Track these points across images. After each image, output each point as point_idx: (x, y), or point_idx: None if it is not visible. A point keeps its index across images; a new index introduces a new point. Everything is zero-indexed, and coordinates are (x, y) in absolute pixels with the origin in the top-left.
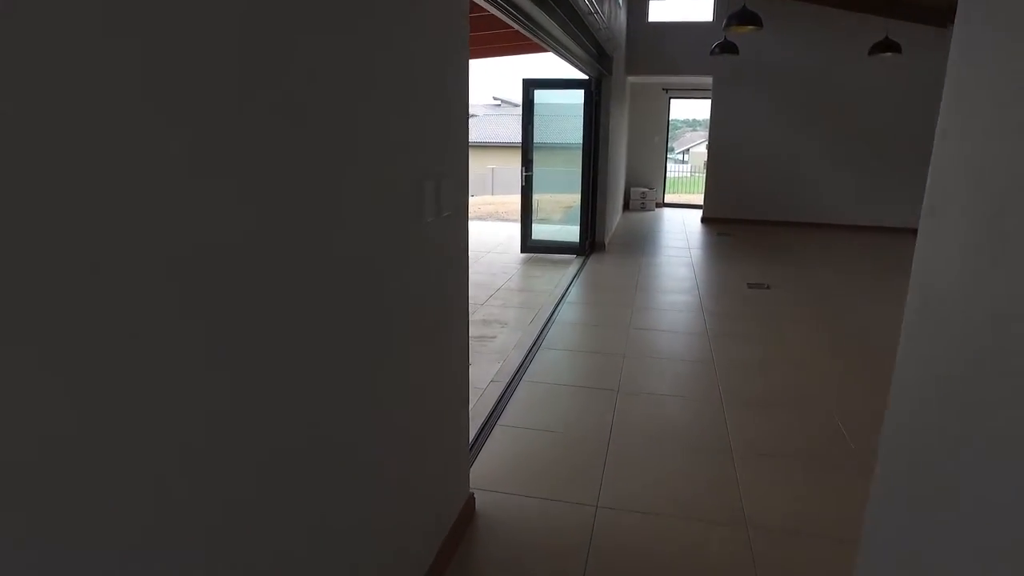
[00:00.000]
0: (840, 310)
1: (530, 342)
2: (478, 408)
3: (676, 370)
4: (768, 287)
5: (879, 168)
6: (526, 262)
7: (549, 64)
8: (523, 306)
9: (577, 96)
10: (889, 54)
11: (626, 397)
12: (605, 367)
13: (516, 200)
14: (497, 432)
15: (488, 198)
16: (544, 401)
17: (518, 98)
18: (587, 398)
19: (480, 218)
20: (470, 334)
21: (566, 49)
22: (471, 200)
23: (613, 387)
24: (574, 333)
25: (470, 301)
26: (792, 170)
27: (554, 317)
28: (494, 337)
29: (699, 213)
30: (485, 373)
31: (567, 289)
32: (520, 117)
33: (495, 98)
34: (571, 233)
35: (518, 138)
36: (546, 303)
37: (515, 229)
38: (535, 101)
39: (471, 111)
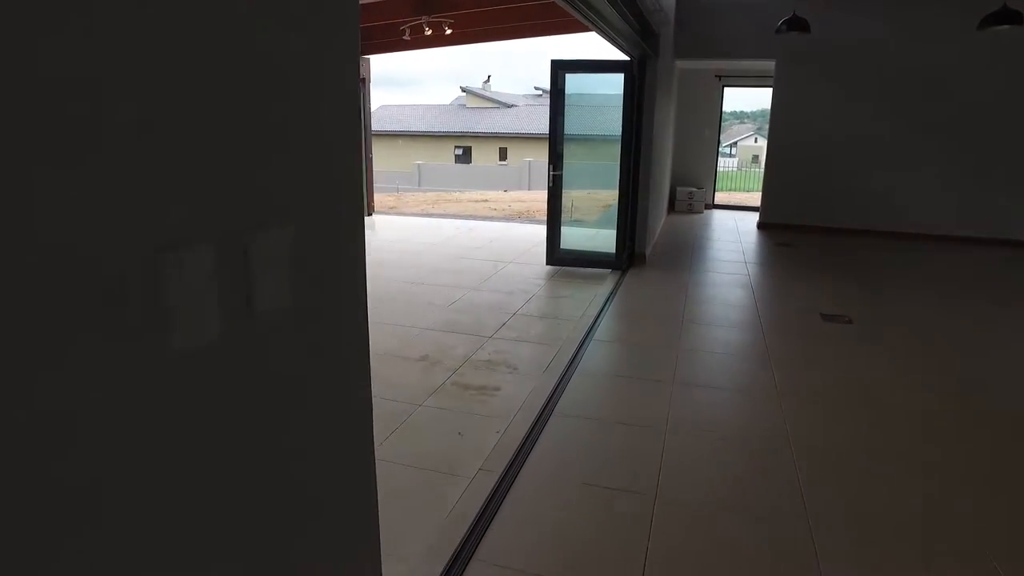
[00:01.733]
0: (953, 354)
1: (541, 402)
2: (452, 529)
3: (737, 460)
4: (849, 320)
5: (990, 167)
6: (552, 277)
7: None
8: (541, 341)
9: (615, 82)
10: (1006, 27)
11: (668, 510)
12: (639, 451)
13: (574, 195)
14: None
15: (522, 195)
16: (553, 512)
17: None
18: (611, 510)
19: (509, 218)
20: (468, 382)
21: (604, 20)
22: (503, 196)
23: (649, 490)
24: (601, 389)
25: (476, 332)
26: (871, 168)
27: (578, 361)
28: (497, 390)
29: (754, 216)
30: (474, 454)
31: (597, 318)
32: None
33: (536, 88)
34: (606, 241)
35: (575, 130)
36: (570, 339)
37: (544, 235)
38: (566, 87)
39: (509, 101)
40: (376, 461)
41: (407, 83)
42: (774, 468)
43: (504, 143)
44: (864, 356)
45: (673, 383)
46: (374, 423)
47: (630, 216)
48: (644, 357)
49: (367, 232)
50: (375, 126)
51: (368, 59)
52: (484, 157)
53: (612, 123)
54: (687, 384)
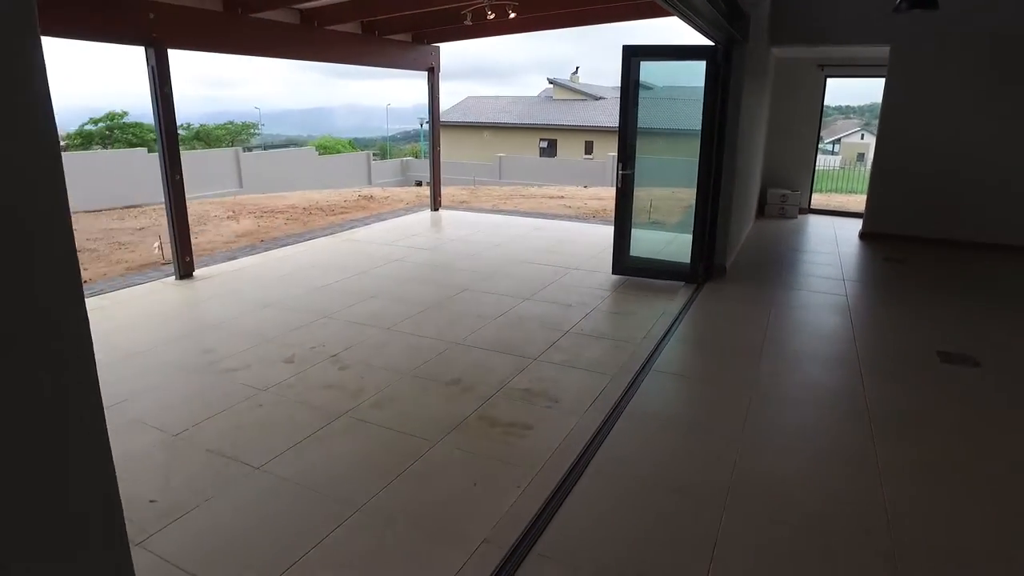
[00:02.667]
0: None
1: (577, 451)
2: None
3: (815, 561)
4: (975, 362)
5: None
6: (617, 289)
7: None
8: (592, 368)
9: (696, 70)
10: (918, 10)
11: None
12: (688, 534)
13: (646, 194)
14: None
15: (601, 191)
16: None
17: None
18: None
19: (583, 218)
20: (498, 416)
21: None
22: (580, 192)
23: None
24: (651, 439)
25: (521, 352)
26: (1005, 174)
27: (630, 397)
28: (528, 429)
29: (856, 224)
30: (483, 517)
31: (662, 342)
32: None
33: (643, 83)
34: (681, 249)
35: (649, 123)
36: (625, 367)
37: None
38: (641, 75)
39: (597, 93)
40: (363, 512)
41: (497, 75)
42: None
43: (590, 136)
44: (998, 415)
45: (741, 437)
46: (382, 460)
47: (709, 222)
48: (709, 399)
49: (425, 228)
50: (460, 117)
51: (438, 47)
52: (569, 150)
53: (692, 117)
54: (759, 442)
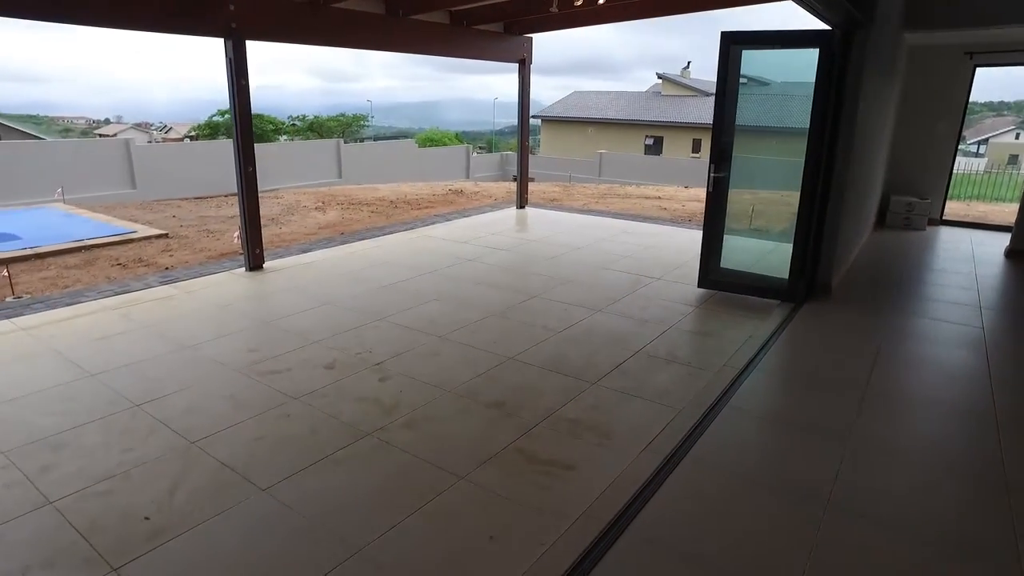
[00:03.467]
0: None
1: (621, 504)
2: None
3: None
4: None
5: None
6: (702, 304)
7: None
8: (657, 399)
9: (806, 60)
10: None
11: None
12: None
13: (743, 198)
14: None
15: (701, 192)
16: None
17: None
18: None
19: (677, 221)
20: (538, 450)
21: None
22: (679, 193)
23: None
24: (715, 499)
25: (580, 374)
26: None
27: (696, 437)
28: (570, 469)
29: (1002, 239)
30: None
31: (745, 371)
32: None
33: (743, 77)
34: (779, 263)
35: (749, 120)
36: (698, 400)
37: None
38: (741, 66)
39: (709, 89)
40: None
41: (606, 69)
42: None
43: (698, 134)
44: None
45: (827, 506)
46: (397, 493)
47: (814, 232)
48: (794, 449)
49: (507, 227)
50: (564, 112)
51: (530, 38)
52: (676, 149)
53: (799, 113)
54: (852, 515)
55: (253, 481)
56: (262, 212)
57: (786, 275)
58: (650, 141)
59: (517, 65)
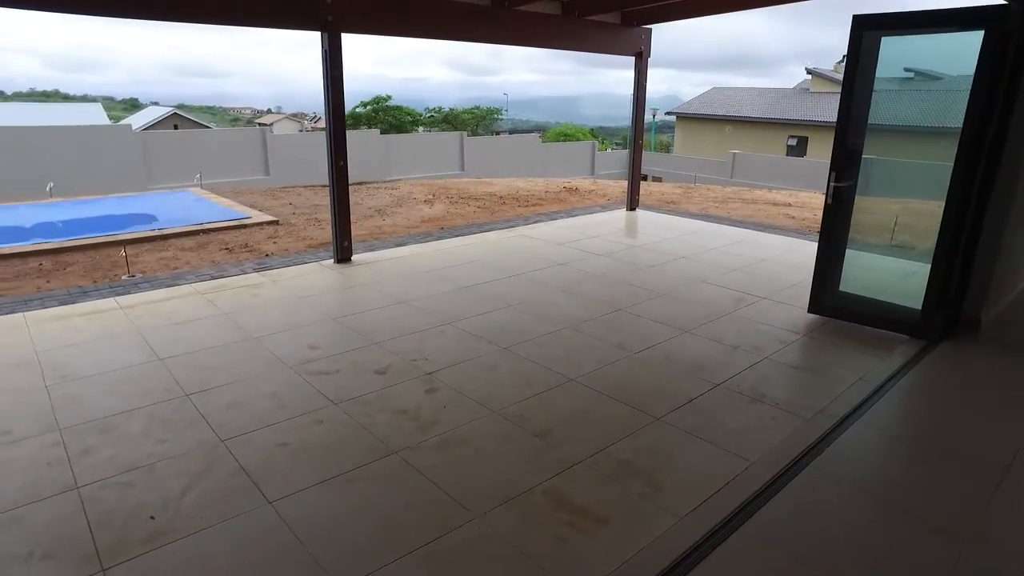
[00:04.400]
0: None
1: None
2: None
3: None
4: None
5: None
6: (810, 332)
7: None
8: (728, 446)
9: (963, 47)
10: None
11: None
12: None
13: (885, 208)
14: None
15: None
16: None
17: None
18: None
19: (803, 232)
20: (571, 495)
21: None
22: (813, 200)
23: None
24: None
25: (644, 406)
26: None
27: (766, 502)
28: (603, 523)
29: None
30: None
31: (846, 421)
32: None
33: (906, 70)
34: (911, 288)
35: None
36: (778, 452)
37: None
38: (880, 54)
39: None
40: None
41: (751, 64)
42: None
43: None
44: None
45: None
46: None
47: (962, 254)
48: (891, 547)
49: (611, 230)
50: (700, 109)
51: (649, 29)
52: (822, 150)
53: (953, 109)
54: None
55: (263, 490)
56: (374, 203)
57: (919, 304)
58: (793, 141)
59: (633, 59)
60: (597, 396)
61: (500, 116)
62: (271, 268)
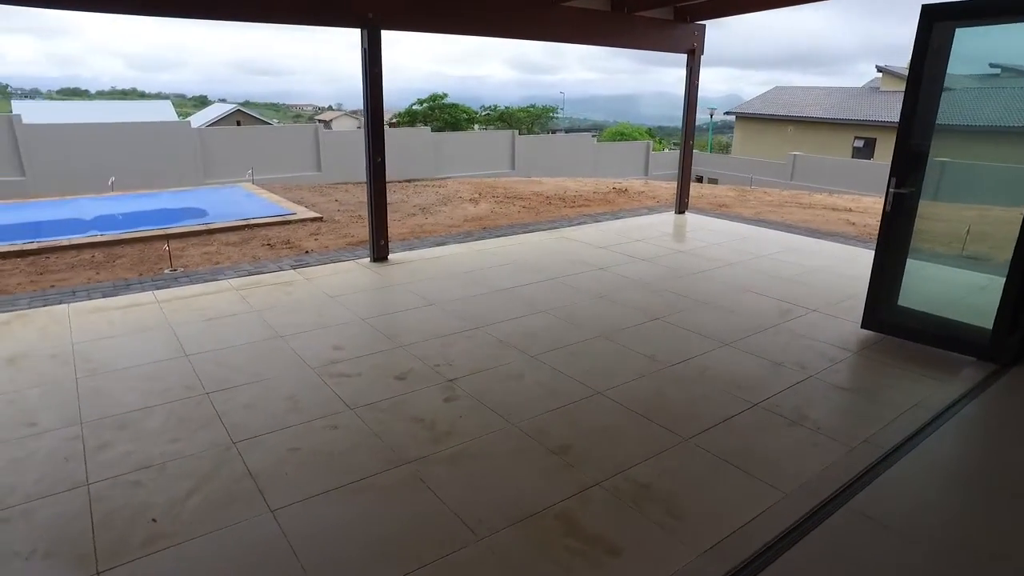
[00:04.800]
0: None
1: None
2: None
3: None
4: None
5: None
6: (863, 350)
7: None
8: (759, 473)
9: None
10: None
11: None
12: None
13: (959, 215)
14: None
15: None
16: None
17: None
18: None
19: (864, 240)
20: (584, 520)
21: None
22: (877, 205)
23: None
24: None
25: (674, 425)
26: None
27: (788, 548)
28: (615, 555)
29: None
30: None
31: (894, 454)
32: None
33: (992, 65)
34: (980, 305)
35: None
36: (815, 484)
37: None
38: (953, 47)
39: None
40: None
41: (819, 63)
42: None
43: None
44: None
45: None
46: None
47: None
48: None
49: (658, 234)
50: (762, 109)
51: (703, 26)
52: (891, 152)
53: None
54: None
55: (267, 497)
56: (419, 201)
57: (989, 323)
58: (860, 143)
59: (686, 56)
60: (623, 411)
61: (556, 115)
62: (308, 266)
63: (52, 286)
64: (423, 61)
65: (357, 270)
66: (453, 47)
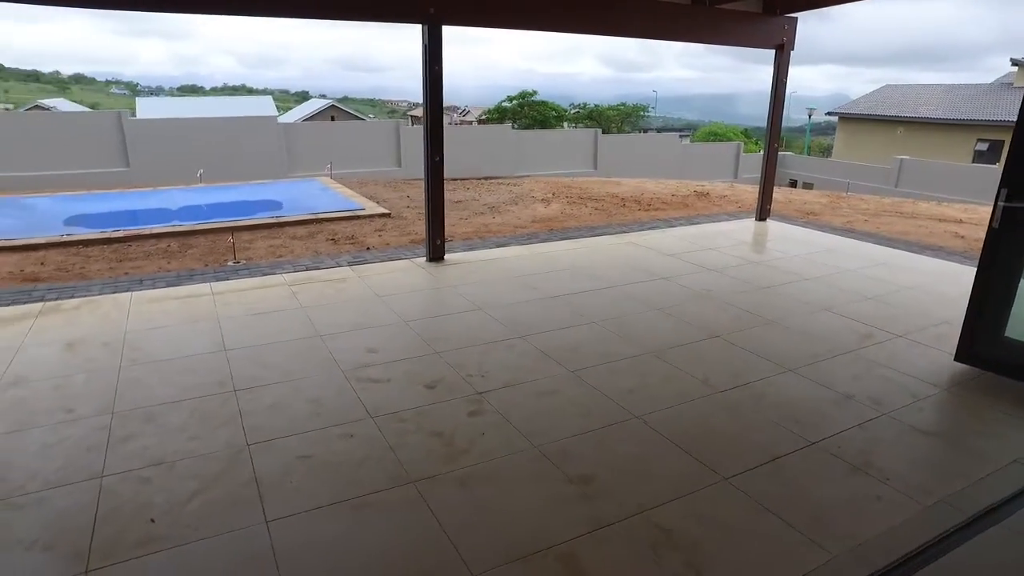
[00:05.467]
0: None
1: None
2: None
3: None
4: None
5: None
6: (954, 387)
7: None
8: (804, 528)
9: None
10: None
11: None
12: None
13: None
14: None
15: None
16: None
17: None
18: None
19: (970, 256)
20: (595, 564)
21: None
22: (968, 212)
23: None
24: None
25: (714, 462)
26: None
27: None
28: None
29: None
30: None
31: (982, 519)
32: None
33: None
34: None
35: None
36: (868, 552)
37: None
38: None
39: None
40: None
41: (946, 58)
42: None
43: None
44: None
45: None
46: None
47: None
48: None
49: (734, 242)
50: (869, 110)
51: (794, 18)
52: None
53: None
54: None
55: (265, 507)
56: (491, 200)
57: None
58: (983, 146)
59: (774, 51)
60: (660, 440)
61: (647, 114)
62: (364, 263)
63: (126, 273)
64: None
65: (411, 270)
66: (545, 44)
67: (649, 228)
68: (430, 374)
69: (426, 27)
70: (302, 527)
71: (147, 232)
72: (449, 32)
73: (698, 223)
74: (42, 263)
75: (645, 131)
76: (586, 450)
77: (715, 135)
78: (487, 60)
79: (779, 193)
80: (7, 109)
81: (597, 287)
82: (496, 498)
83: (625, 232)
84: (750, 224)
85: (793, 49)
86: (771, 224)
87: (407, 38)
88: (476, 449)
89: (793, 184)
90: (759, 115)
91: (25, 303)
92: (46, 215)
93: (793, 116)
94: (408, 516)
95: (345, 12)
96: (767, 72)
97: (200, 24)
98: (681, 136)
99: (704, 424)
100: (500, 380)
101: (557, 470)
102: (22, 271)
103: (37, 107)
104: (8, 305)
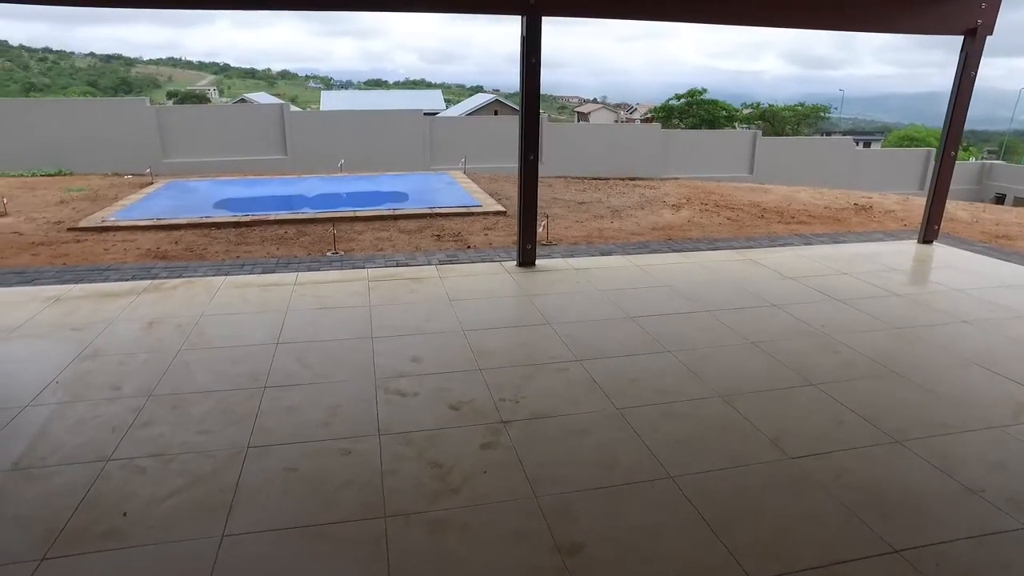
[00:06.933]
0: None
1: None
2: None
3: None
4: None
5: None
6: None
7: None
8: None
9: None
10: None
11: None
12: None
13: None
14: None
15: None
16: None
17: None
18: None
19: None
20: None
21: None
22: None
23: None
24: None
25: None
26: None
27: None
28: None
29: None
30: None
31: None
32: None
33: None
34: None
35: None
36: None
37: None
38: None
39: None
40: None
41: None
42: None
43: None
44: None
45: None
46: None
47: None
48: None
49: (882, 268)
50: None
51: None
52: None
53: None
54: None
55: (230, 519)
56: (617, 202)
57: None
58: None
59: (961, 39)
60: (686, 512)
61: (828, 115)
62: (454, 263)
63: (237, 257)
64: (693, 55)
65: (496, 274)
66: (726, 40)
67: (780, 244)
68: (461, 393)
69: (525, 18)
70: (251, 549)
71: (271, 218)
72: (622, 29)
73: (842, 242)
74: (176, 242)
75: (828, 134)
76: (589, 511)
77: (912, 139)
78: (667, 56)
79: (967, 211)
80: (225, 102)
81: (689, 310)
82: (462, 555)
83: (749, 248)
84: (909, 247)
85: (991, 34)
86: (937, 248)
87: (577, 34)
88: (468, 489)
89: (999, 200)
90: (977, 116)
91: (139, 280)
92: (201, 197)
93: (1019, 117)
94: (360, 559)
95: (447, 5)
96: (986, 66)
97: (387, 23)
98: (867, 141)
99: (752, 499)
100: (532, 409)
101: (546, 532)
102: (157, 249)
103: (243, 100)
104: (127, 280)
